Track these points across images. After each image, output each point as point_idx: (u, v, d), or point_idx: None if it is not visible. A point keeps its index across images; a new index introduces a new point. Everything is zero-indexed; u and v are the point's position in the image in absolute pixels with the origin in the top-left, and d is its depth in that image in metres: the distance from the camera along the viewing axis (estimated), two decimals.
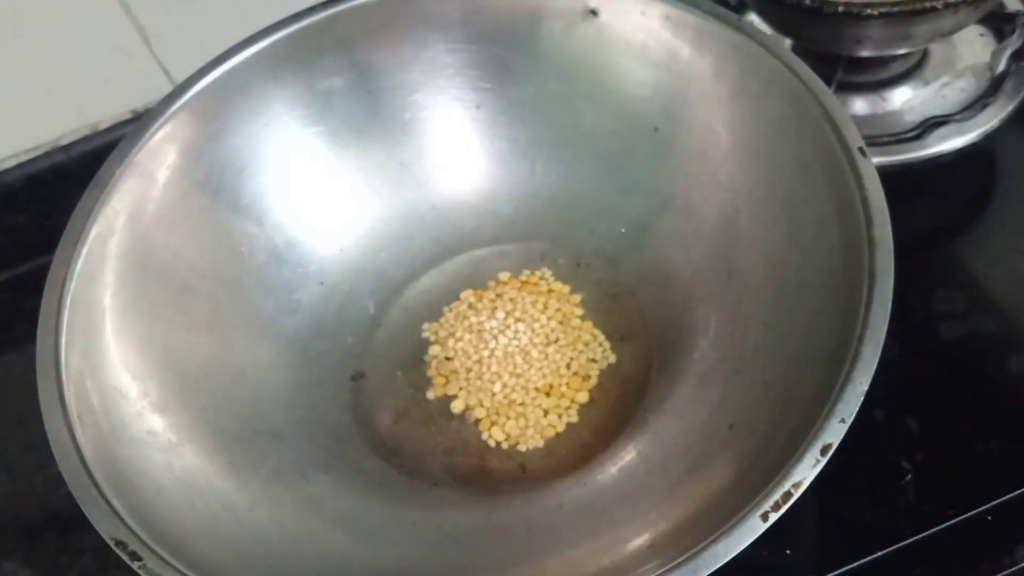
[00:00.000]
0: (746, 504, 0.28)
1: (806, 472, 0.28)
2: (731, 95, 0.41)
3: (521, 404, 0.42)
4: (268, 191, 0.43)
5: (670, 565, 0.28)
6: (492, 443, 0.41)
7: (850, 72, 0.48)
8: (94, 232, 0.37)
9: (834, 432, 0.29)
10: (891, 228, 0.32)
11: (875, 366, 0.30)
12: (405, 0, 0.43)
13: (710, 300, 0.41)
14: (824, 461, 0.28)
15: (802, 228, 0.37)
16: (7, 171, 0.52)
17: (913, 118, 0.48)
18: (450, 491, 0.39)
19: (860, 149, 0.35)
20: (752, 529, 0.28)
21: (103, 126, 0.53)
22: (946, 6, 0.41)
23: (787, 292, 0.37)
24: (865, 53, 0.46)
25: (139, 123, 0.40)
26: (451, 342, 0.44)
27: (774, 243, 0.39)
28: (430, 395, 0.43)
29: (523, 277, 0.46)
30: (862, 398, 0.29)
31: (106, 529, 0.30)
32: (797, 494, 0.28)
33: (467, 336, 0.44)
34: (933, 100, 0.49)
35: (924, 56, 0.51)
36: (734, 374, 0.38)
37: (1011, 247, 0.46)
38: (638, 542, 0.33)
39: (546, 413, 0.42)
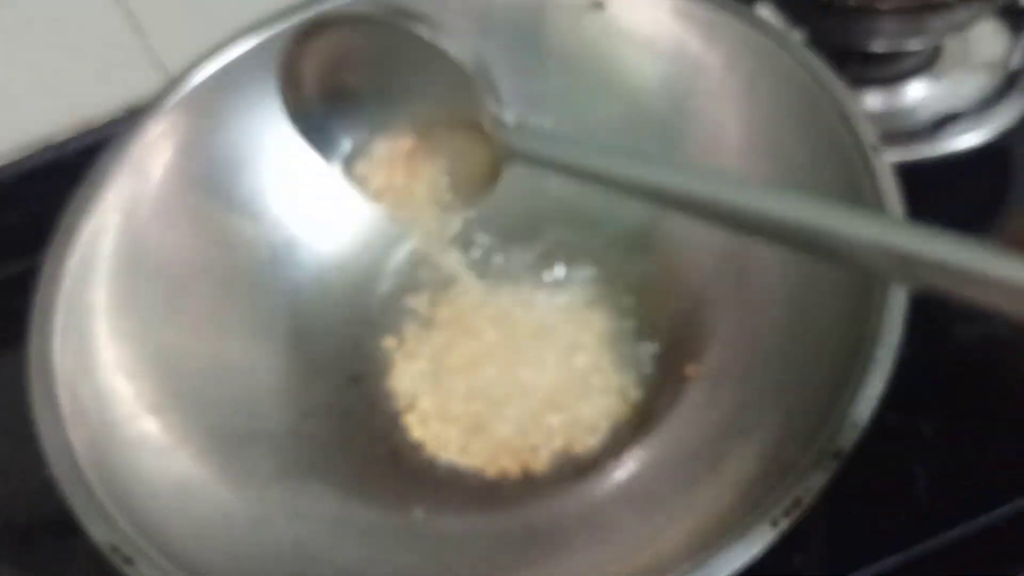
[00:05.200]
0: (756, 510, 0.28)
1: (818, 478, 0.28)
2: (741, 90, 0.40)
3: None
4: (265, 188, 0.43)
5: (678, 573, 0.27)
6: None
7: (863, 67, 0.48)
8: (87, 230, 0.37)
9: (847, 437, 0.28)
10: None
11: (889, 369, 0.29)
12: None
13: (720, 302, 0.41)
14: (836, 466, 0.28)
15: None
16: None
17: (926, 114, 0.48)
18: (452, 495, 0.39)
19: (874, 146, 0.34)
20: (762, 536, 0.27)
21: (97, 123, 0.53)
22: (960, 0, 0.40)
23: (799, 293, 0.37)
24: (878, 48, 0.46)
25: (133, 119, 0.40)
26: None
27: None
28: None
29: None
30: (876, 402, 0.29)
31: (99, 533, 0.30)
32: (808, 500, 0.28)
33: None
34: (947, 96, 0.49)
35: (938, 51, 0.50)
36: (745, 377, 0.38)
37: None
38: (645, 550, 0.33)
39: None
